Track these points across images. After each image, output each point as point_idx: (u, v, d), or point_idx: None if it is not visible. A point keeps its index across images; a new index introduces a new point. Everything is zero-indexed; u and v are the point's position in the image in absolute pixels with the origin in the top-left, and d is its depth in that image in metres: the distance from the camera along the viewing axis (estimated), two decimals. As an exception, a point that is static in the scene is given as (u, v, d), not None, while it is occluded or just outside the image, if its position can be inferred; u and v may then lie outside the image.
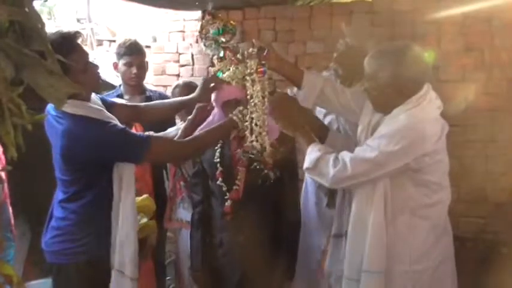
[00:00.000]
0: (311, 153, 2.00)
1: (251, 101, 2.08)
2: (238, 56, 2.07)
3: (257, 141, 2.09)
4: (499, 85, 3.18)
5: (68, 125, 1.94)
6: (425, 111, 1.93)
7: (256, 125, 2.08)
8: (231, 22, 2.14)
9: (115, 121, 2.04)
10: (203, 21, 2.12)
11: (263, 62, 2.04)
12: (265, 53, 2.04)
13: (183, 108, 2.55)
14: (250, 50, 2.04)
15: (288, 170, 2.35)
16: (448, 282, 2.08)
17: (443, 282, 2.05)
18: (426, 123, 1.90)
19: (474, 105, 3.15)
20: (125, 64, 3.06)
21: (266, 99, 2.07)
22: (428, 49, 3.21)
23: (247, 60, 2.05)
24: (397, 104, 1.95)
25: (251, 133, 2.11)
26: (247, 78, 2.07)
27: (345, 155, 1.93)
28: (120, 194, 2.03)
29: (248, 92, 2.08)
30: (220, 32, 2.06)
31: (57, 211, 2.09)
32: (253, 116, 2.09)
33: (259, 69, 2.04)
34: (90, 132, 1.94)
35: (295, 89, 2.48)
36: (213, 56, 2.14)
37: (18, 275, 1.38)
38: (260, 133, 2.10)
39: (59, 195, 2.09)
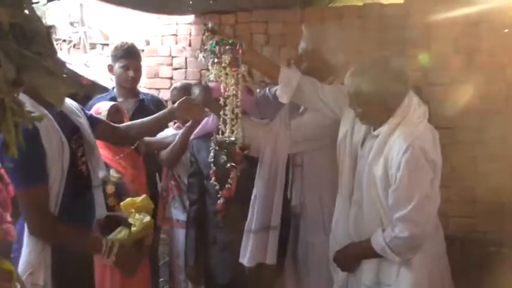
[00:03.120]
0: (383, 253, 2.00)
1: (225, 93, 2.16)
2: (217, 53, 2.14)
3: (232, 132, 2.19)
4: (488, 87, 3.23)
5: None
6: (412, 122, 1.97)
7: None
8: (229, 37, 2.23)
9: (52, 140, 1.88)
10: (203, 37, 2.19)
11: (237, 56, 2.10)
12: (237, 47, 2.10)
13: (162, 123, 2.51)
14: (226, 46, 2.11)
15: None
16: (444, 278, 2.13)
17: (440, 278, 2.10)
18: (421, 137, 1.94)
19: (463, 107, 3.20)
20: (121, 67, 3.09)
21: (239, 92, 2.16)
22: (418, 52, 3.29)
23: (222, 56, 2.12)
24: (383, 116, 2.00)
25: (224, 124, 2.19)
26: (222, 72, 2.15)
27: (396, 219, 1.93)
28: None
29: (222, 85, 2.16)
30: (220, 43, 2.14)
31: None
32: (227, 108, 2.17)
33: (232, 63, 2.11)
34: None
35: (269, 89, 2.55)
36: (208, 63, 2.21)
37: (17, 271, 1.39)
38: (233, 125, 2.18)
39: None
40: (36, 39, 1.08)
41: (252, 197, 2.34)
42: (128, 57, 3.08)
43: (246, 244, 2.34)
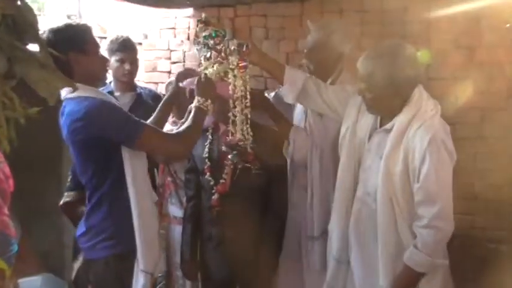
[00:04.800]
0: (430, 267, 1.96)
1: (234, 95, 2.15)
2: (222, 54, 2.13)
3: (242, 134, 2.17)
4: (488, 83, 3.21)
5: (71, 108, 1.92)
6: (428, 114, 1.94)
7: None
8: (222, 28, 2.21)
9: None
10: (197, 28, 2.17)
11: (244, 57, 2.10)
12: (244, 49, 2.08)
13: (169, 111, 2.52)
14: (232, 47, 2.09)
15: (277, 162, 2.41)
16: (446, 275, 2.11)
17: (442, 276, 2.07)
18: (440, 130, 1.92)
19: (463, 103, 3.18)
20: (117, 60, 3.06)
21: (248, 94, 2.14)
22: (419, 47, 3.26)
23: (229, 57, 2.11)
24: (392, 105, 1.97)
25: (233, 126, 2.17)
26: (230, 74, 2.13)
27: (429, 220, 1.88)
28: (134, 187, 2.01)
29: (230, 87, 2.14)
30: (213, 35, 2.13)
31: (87, 207, 2.11)
32: (236, 109, 2.15)
33: (240, 65, 2.10)
34: (90, 109, 1.89)
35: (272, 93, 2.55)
36: (201, 56, 2.20)
37: (10, 269, 1.37)
38: (242, 126, 2.16)
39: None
40: (29, 31, 1.06)
41: (308, 206, 2.37)
42: (124, 50, 3.06)
43: (312, 251, 2.38)
